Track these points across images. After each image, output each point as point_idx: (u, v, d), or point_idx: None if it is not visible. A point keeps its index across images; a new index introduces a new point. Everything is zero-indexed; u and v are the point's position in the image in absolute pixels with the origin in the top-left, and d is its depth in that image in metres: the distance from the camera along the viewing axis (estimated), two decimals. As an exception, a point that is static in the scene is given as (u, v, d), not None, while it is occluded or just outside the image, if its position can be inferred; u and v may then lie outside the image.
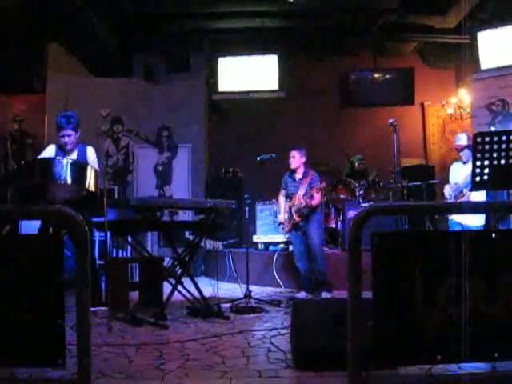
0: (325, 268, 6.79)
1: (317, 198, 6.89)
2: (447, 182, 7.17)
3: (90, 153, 5.95)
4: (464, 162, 6.89)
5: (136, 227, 6.05)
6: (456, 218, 6.81)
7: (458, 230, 6.44)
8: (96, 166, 5.80)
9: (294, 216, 6.86)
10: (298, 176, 7.03)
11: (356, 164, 9.55)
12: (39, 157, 5.91)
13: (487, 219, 6.60)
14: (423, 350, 2.37)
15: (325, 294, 6.65)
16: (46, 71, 10.76)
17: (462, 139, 6.93)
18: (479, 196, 6.16)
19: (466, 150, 6.81)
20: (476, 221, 6.60)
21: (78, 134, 5.80)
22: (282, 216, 7.09)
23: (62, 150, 5.76)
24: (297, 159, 6.98)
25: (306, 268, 6.93)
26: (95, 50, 9.49)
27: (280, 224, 7.24)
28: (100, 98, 10.62)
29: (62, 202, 4.90)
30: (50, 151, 5.82)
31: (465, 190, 6.64)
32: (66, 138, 5.69)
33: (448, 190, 6.94)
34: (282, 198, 7.20)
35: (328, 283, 6.75)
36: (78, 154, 5.81)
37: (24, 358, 2.39)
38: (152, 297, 5.63)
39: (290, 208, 6.93)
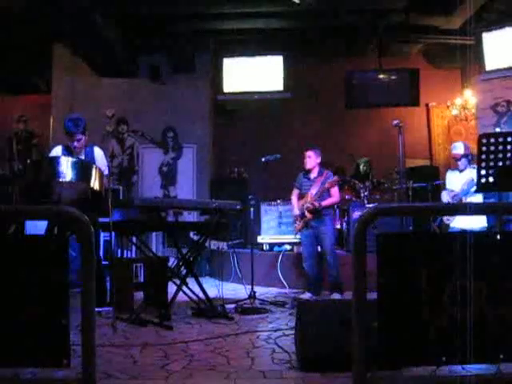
0: (336, 270, 6.73)
1: (335, 194, 6.87)
2: (444, 187, 7.19)
3: (98, 153, 5.96)
4: (460, 170, 6.92)
5: (141, 227, 6.06)
6: (457, 225, 6.79)
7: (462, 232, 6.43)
8: (105, 166, 5.83)
9: (306, 213, 6.83)
10: (313, 175, 7.01)
11: (361, 167, 9.56)
12: None
13: (489, 223, 6.60)
14: (428, 351, 2.36)
15: (335, 296, 6.63)
16: (51, 71, 10.79)
17: (459, 148, 6.93)
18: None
19: (463, 159, 6.84)
20: (478, 226, 6.57)
21: (86, 136, 5.81)
22: (297, 211, 7.03)
23: (69, 151, 5.75)
24: (312, 159, 6.97)
25: (314, 269, 6.90)
26: (100, 50, 9.49)
27: (301, 217, 7.10)
28: (105, 99, 10.65)
29: (67, 203, 4.90)
30: (56, 152, 5.82)
31: (464, 198, 6.64)
32: (76, 143, 5.68)
33: (446, 197, 6.94)
34: (294, 198, 7.17)
35: (340, 285, 6.69)
36: (85, 155, 5.81)
37: (28, 358, 2.39)
38: (157, 297, 5.63)
39: (302, 205, 6.91)
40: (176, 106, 10.73)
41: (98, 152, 5.96)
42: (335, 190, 6.90)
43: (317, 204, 6.72)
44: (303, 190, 7.04)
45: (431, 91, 11.64)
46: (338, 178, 6.97)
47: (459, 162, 6.89)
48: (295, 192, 7.18)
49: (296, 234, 7.55)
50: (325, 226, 6.82)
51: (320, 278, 6.96)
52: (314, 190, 6.84)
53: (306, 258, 6.97)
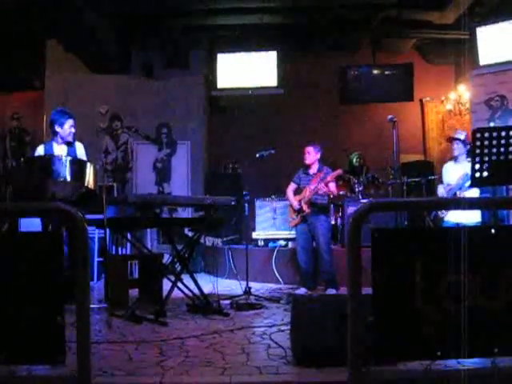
0: (331, 266, 6.72)
1: (332, 188, 6.88)
2: (441, 181, 7.20)
3: (79, 148, 5.89)
4: (455, 161, 6.93)
5: (135, 224, 6.04)
6: (451, 218, 6.81)
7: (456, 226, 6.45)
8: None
9: (304, 207, 6.83)
10: (312, 171, 7.02)
11: (354, 161, 9.56)
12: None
13: (483, 217, 6.62)
14: (423, 345, 2.37)
15: (330, 291, 6.63)
16: (44, 68, 10.76)
17: (461, 134, 6.98)
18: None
19: (461, 144, 6.85)
20: (472, 219, 6.59)
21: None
22: (296, 204, 6.98)
23: (51, 148, 5.70)
24: (312, 155, 6.97)
25: (308, 264, 6.90)
26: (94, 47, 9.47)
27: (298, 211, 7.06)
28: (99, 95, 10.63)
29: (61, 200, 4.88)
30: (38, 153, 5.72)
31: (458, 192, 6.66)
32: (73, 129, 5.66)
33: (442, 191, 6.96)
34: (290, 193, 7.16)
35: (335, 281, 6.69)
36: (68, 150, 5.74)
37: (24, 356, 2.38)
38: (151, 294, 5.62)
39: (300, 201, 6.91)
40: (170, 102, 10.73)
41: (79, 146, 5.91)
42: (332, 185, 6.90)
43: (326, 189, 6.72)
44: (301, 184, 7.04)
45: (425, 86, 11.66)
46: (342, 171, 6.99)
47: (455, 146, 6.89)
48: (292, 186, 7.16)
49: (291, 228, 7.55)
50: (320, 222, 6.82)
51: (314, 273, 6.98)
52: (312, 186, 6.84)
53: (300, 253, 6.96)
